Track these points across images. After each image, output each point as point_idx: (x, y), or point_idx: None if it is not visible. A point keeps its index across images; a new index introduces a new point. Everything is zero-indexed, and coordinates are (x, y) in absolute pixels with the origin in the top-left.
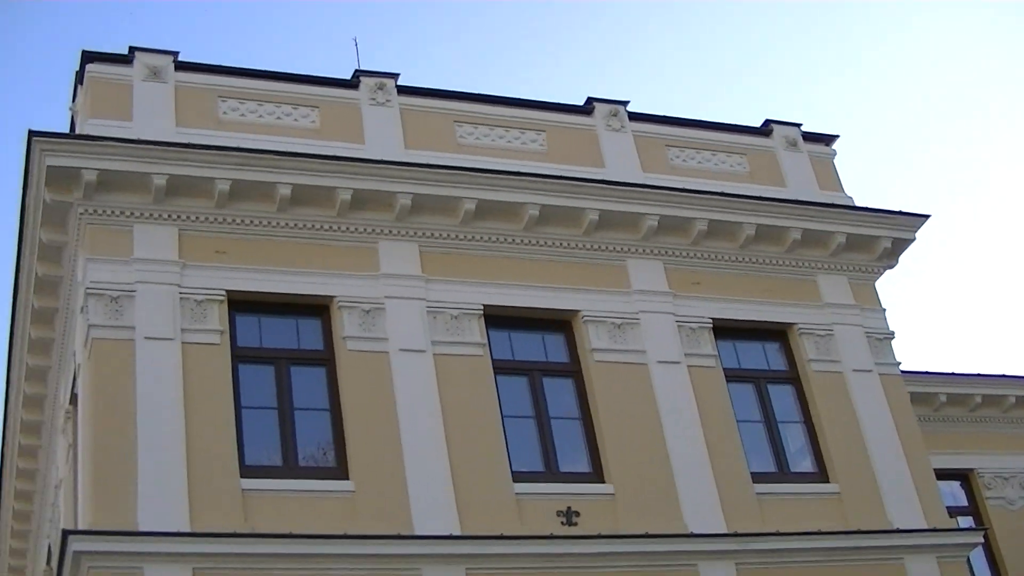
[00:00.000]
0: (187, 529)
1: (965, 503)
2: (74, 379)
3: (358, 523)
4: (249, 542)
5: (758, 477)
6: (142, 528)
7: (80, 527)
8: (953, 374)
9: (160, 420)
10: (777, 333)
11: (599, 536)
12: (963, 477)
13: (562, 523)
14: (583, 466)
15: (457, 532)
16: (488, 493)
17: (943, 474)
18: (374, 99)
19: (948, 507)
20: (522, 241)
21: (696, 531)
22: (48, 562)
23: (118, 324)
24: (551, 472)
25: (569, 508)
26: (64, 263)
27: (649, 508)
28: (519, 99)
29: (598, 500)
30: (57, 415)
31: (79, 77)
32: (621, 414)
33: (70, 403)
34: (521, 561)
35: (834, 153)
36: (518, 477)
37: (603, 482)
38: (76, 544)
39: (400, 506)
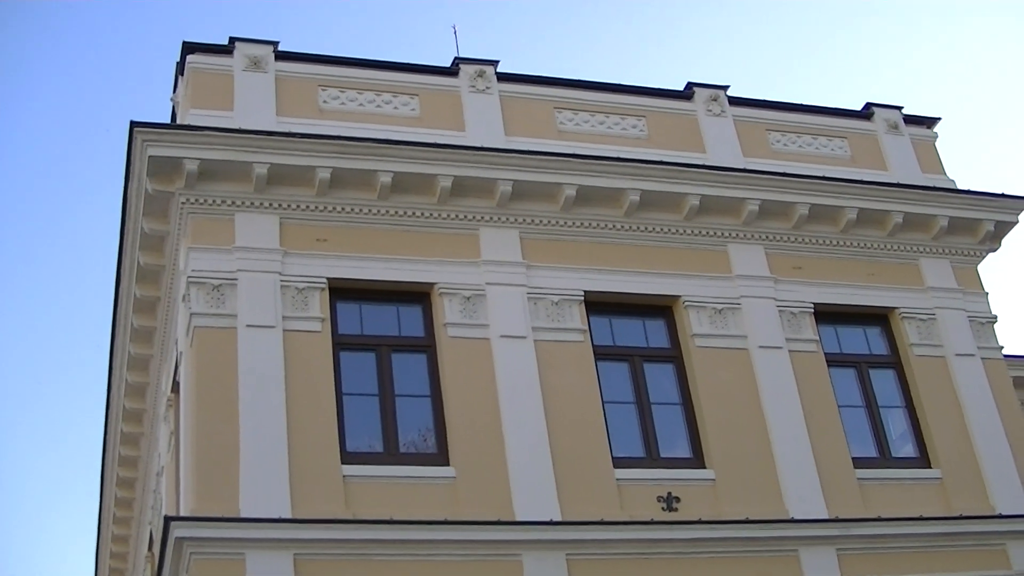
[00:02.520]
0: (288, 515)
1: None
2: (176, 367)
3: (459, 509)
4: (350, 528)
5: (859, 462)
6: (244, 514)
7: (182, 513)
8: None
9: (262, 407)
10: (879, 317)
11: (700, 522)
12: None
13: (663, 509)
14: (684, 452)
15: (558, 518)
16: (589, 479)
17: None
18: (474, 86)
19: None
20: (623, 227)
21: (797, 517)
22: (150, 548)
23: (220, 312)
24: (652, 458)
25: (670, 494)
26: (166, 252)
27: (750, 493)
28: (619, 85)
29: (699, 485)
30: (159, 403)
31: (180, 68)
32: (722, 399)
33: (172, 391)
34: (621, 547)
35: (936, 136)
36: (619, 463)
37: (704, 467)
38: (178, 530)
39: (501, 492)
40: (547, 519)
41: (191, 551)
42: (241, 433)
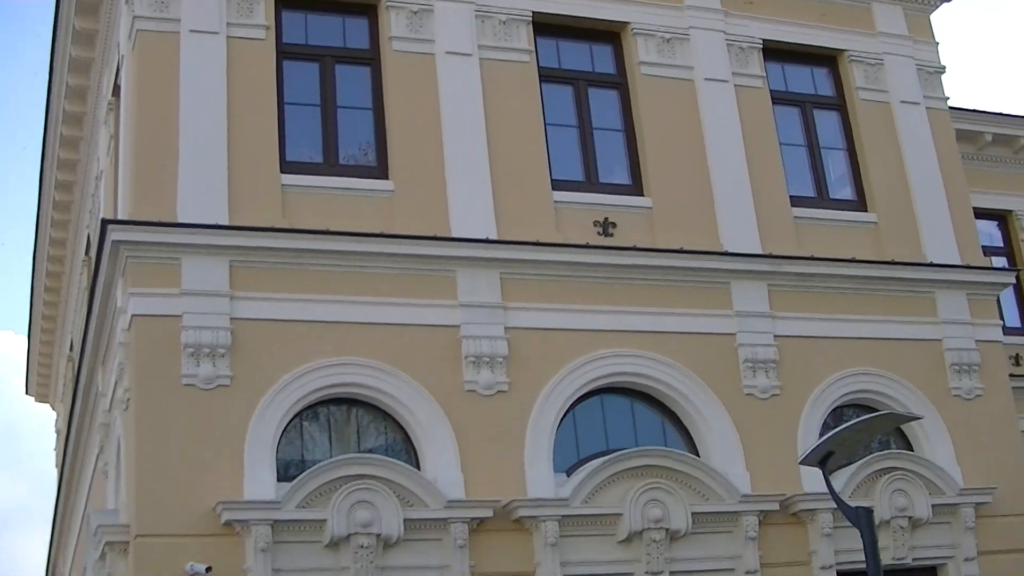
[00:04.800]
0: (226, 222)
1: (1001, 243)
2: (117, 71)
3: (396, 223)
4: (287, 237)
5: (797, 201)
6: (181, 219)
7: (120, 217)
8: (1002, 114)
9: (203, 113)
10: (827, 58)
11: (634, 248)
12: (1001, 218)
13: (599, 233)
14: (623, 178)
15: (494, 236)
16: (527, 200)
17: (982, 213)
18: None
19: (984, 246)
20: None
21: (731, 250)
22: (87, 252)
23: (163, 16)
24: (591, 183)
25: (606, 219)
26: None
27: (686, 224)
28: None
29: (636, 213)
30: (100, 106)
31: None
32: (664, 129)
33: (113, 95)
34: (555, 268)
35: None
36: (557, 186)
37: (642, 195)
38: (115, 234)
39: (438, 208)
40: (483, 237)
41: (127, 254)
42: (180, 138)
